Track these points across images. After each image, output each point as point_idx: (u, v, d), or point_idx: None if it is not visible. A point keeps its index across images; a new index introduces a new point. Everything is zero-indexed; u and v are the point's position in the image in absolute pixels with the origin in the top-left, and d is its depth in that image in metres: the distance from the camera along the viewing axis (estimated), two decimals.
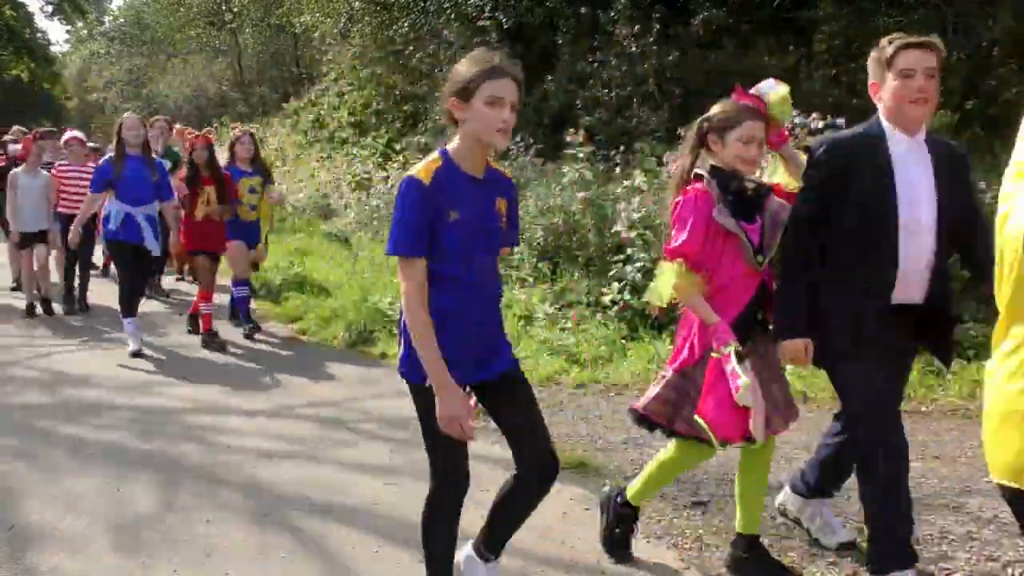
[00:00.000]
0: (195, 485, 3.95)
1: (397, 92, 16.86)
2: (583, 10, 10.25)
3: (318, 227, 12.82)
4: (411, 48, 14.43)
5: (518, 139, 10.39)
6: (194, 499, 3.79)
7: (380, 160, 14.94)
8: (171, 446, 4.47)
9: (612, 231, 6.72)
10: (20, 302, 8.26)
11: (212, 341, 6.66)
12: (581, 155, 7.34)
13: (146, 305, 8.32)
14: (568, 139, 7.61)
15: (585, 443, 4.50)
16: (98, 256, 9.57)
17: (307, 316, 7.59)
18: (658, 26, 9.69)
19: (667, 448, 3.06)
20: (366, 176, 14.04)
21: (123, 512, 3.66)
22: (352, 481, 3.99)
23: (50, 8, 36.98)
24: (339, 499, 3.78)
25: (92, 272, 8.64)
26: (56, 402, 5.30)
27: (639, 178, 6.98)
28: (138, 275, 6.70)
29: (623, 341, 6.14)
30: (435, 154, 2.45)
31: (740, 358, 2.73)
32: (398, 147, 14.98)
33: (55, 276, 8.37)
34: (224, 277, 7.76)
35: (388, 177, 13.35)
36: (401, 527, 3.42)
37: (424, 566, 2.65)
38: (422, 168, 2.39)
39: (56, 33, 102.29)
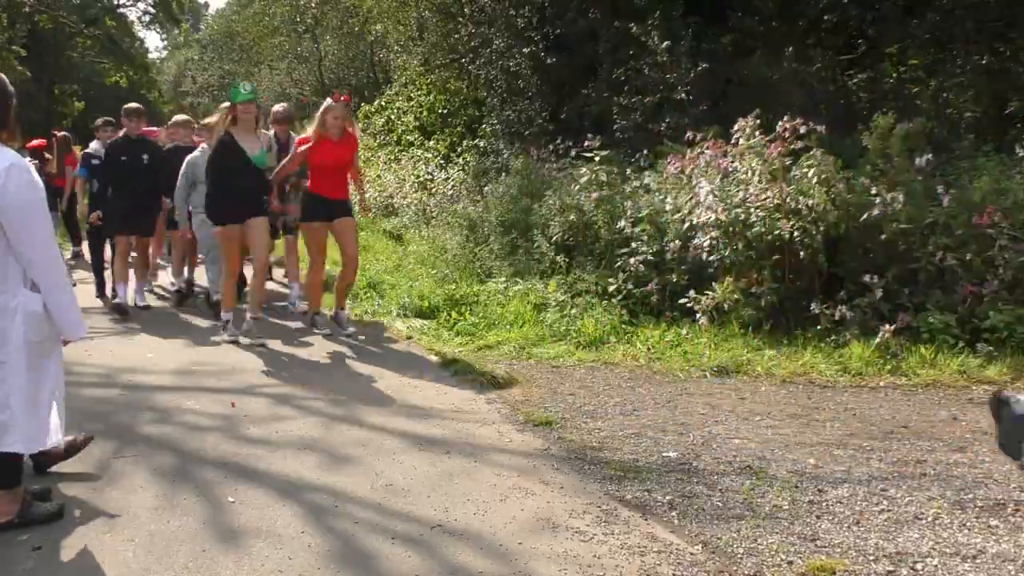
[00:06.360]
0: (211, 474, 4.01)
1: (460, 97, 17.74)
2: (616, 23, 10.90)
3: (381, 225, 13.74)
4: (471, 56, 15.26)
5: (559, 141, 11.09)
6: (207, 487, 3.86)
7: (442, 162, 15.83)
8: (189, 438, 4.53)
9: (619, 227, 7.41)
10: None
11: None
12: (597, 158, 8.04)
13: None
14: (586, 143, 8.31)
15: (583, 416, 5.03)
16: None
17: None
18: (690, 37, 10.28)
19: None
20: (428, 177, 14.94)
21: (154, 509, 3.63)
22: (365, 469, 4.09)
23: (147, 18, 39.47)
24: (351, 488, 3.85)
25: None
26: None
27: (647, 178, 7.67)
28: None
29: (624, 326, 6.83)
30: None
31: None
32: (459, 150, 15.82)
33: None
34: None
35: (448, 178, 14.27)
36: (409, 519, 3.54)
37: None
38: None
39: (153, 41, 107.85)
